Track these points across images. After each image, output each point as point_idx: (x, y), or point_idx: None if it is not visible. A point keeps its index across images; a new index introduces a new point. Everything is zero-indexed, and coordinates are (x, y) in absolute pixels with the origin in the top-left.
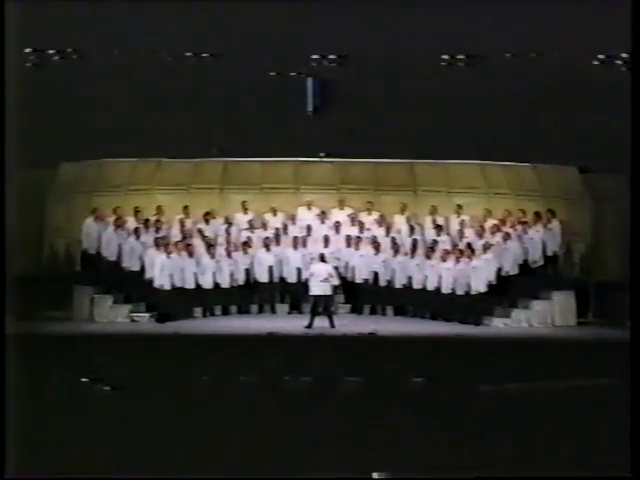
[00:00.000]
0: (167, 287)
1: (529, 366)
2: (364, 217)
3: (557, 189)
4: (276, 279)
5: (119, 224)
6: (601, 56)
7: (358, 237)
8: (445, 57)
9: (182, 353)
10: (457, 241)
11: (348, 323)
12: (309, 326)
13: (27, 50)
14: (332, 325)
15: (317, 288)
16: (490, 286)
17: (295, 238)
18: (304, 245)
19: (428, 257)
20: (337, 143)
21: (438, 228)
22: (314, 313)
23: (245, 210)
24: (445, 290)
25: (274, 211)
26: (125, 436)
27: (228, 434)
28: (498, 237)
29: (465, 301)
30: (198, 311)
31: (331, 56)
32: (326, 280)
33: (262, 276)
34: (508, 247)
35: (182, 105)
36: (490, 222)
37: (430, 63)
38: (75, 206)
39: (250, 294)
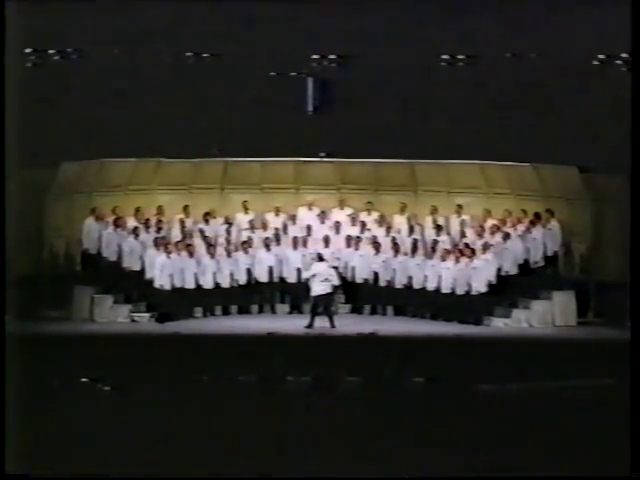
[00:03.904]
0: (167, 287)
1: (529, 366)
2: (364, 217)
3: (557, 189)
4: (276, 279)
5: (119, 224)
6: (601, 56)
7: (358, 237)
8: (445, 57)
9: (182, 353)
10: (457, 241)
11: (348, 323)
12: (309, 326)
13: (27, 50)
14: (332, 325)
15: (318, 288)
16: (490, 286)
17: (295, 238)
18: (304, 245)
19: (428, 257)
20: (337, 143)
21: (438, 228)
22: (314, 313)
23: (246, 210)
24: (445, 290)
25: (277, 211)
26: (125, 436)
27: (228, 434)
28: (498, 237)
29: (465, 301)
30: (198, 311)
31: (331, 56)
32: (326, 280)
33: (262, 276)
34: (508, 247)
35: (182, 105)
36: (490, 222)
37: (430, 63)
38: (75, 206)
39: (250, 294)
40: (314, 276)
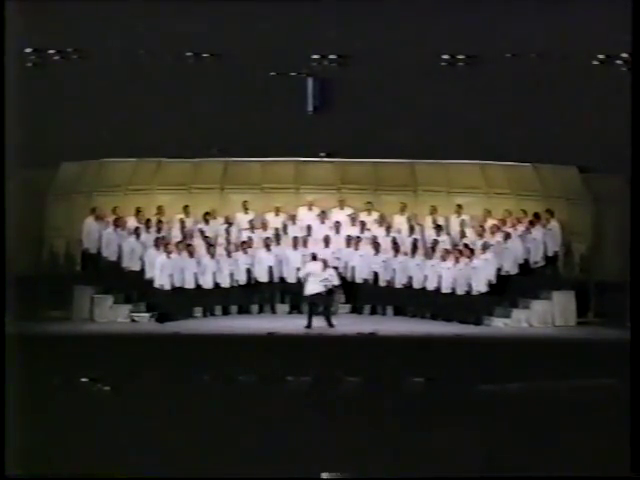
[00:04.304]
0: (167, 287)
1: (529, 366)
2: (364, 217)
3: (557, 189)
4: (276, 279)
5: (119, 224)
6: (601, 56)
7: (358, 237)
8: (445, 57)
9: (182, 353)
10: (457, 241)
11: (348, 323)
12: (308, 326)
13: (27, 50)
14: (330, 325)
15: (310, 287)
16: (491, 286)
17: (295, 238)
18: (304, 245)
19: (428, 257)
20: (337, 143)
21: (438, 228)
22: (311, 313)
23: (246, 210)
24: (445, 290)
25: (277, 211)
26: (125, 436)
27: (228, 434)
28: (498, 237)
29: (465, 301)
30: (198, 311)
31: (331, 56)
32: (325, 280)
33: (262, 276)
34: (508, 246)
35: (182, 105)
36: (490, 222)
37: (430, 63)
38: (75, 206)
39: (250, 294)
40: (307, 275)
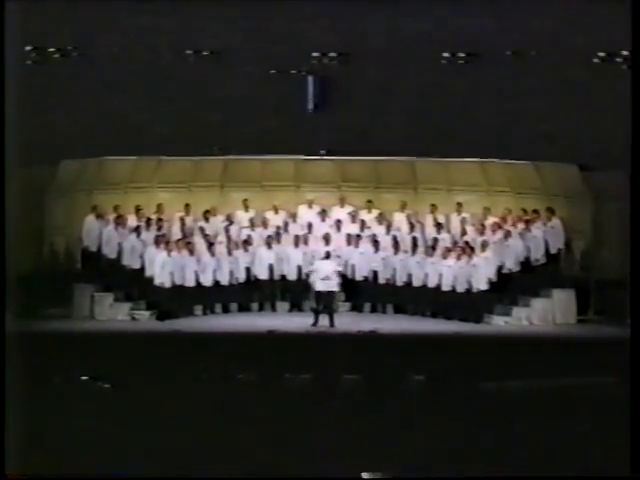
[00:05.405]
0: (167, 285)
1: (529, 364)
2: (364, 215)
3: (557, 187)
4: (277, 277)
5: (119, 222)
6: (601, 54)
7: (358, 235)
8: (445, 56)
9: (182, 351)
10: (458, 239)
11: (349, 321)
12: (315, 324)
13: (27, 48)
14: (332, 324)
15: (321, 284)
16: (492, 283)
17: (296, 236)
18: (305, 243)
19: (429, 255)
20: (337, 141)
21: (439, 226)
22: (317, 310)
23: (246, 208)
24: (446, 288)
25: (276, 209)
26: (125, 435)
27: (228, 433)
28: (499, 234)
29: (466, 299)
30: (198, 309)
31: (332, 54)
32: (329, 278)
33: (263, 274)
34: (509, 244)
35: (182, 103)
36: (490, 220)
37: (430, 62)
38: (75, 204)
39: (250, 292)
40: (314, 272)
